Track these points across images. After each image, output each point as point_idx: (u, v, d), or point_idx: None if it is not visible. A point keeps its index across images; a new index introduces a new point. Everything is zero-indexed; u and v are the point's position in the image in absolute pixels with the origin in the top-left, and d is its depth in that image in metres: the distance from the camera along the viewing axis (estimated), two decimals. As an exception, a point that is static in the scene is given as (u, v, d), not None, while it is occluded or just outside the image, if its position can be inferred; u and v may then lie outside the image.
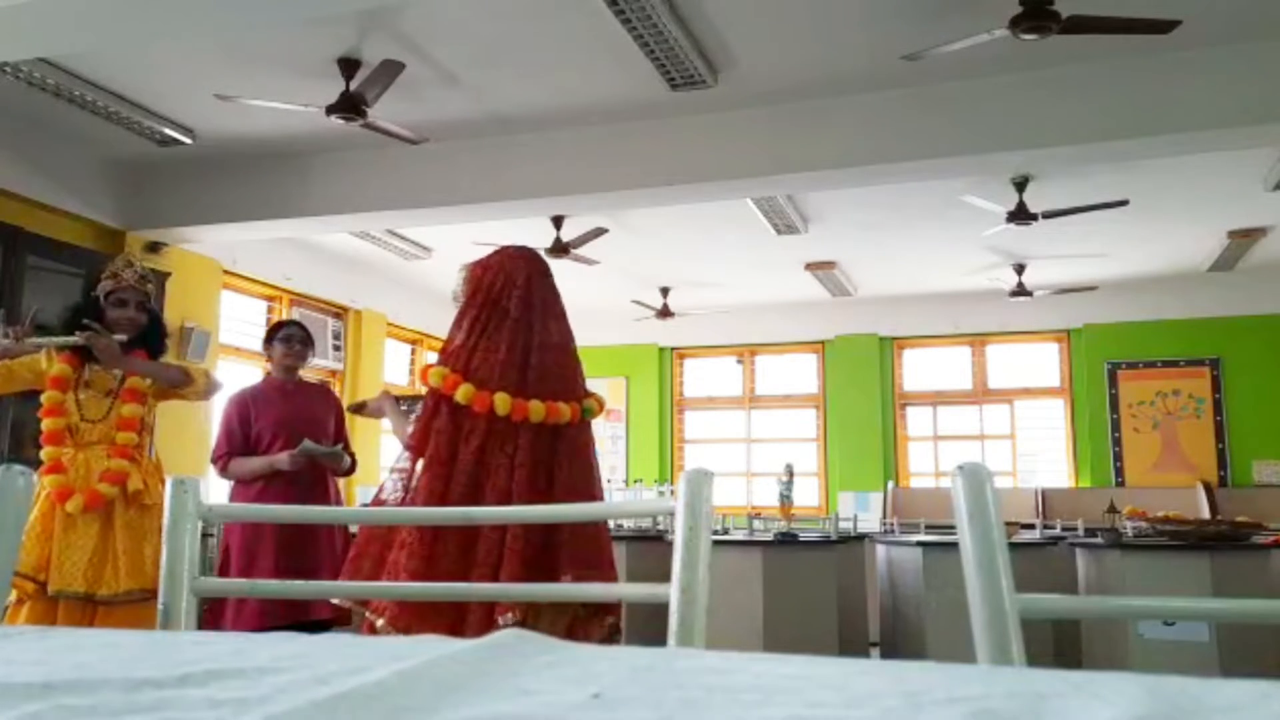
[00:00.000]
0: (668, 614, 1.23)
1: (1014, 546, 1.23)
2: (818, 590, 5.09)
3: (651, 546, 5.20)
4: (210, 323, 7.21)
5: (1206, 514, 8.14)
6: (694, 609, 1.21)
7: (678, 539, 1.25)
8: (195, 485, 1.41)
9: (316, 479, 3.74)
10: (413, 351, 10.39)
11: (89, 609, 3.11)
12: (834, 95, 5.42)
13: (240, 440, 3.74)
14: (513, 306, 2.42)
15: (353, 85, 4.96)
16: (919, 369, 10.60)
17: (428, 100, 5.44)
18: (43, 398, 3.29)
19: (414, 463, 2.35)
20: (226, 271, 7.53)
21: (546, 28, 4.68)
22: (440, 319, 9.89)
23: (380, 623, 2.19)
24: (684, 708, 0.56)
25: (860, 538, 6.29)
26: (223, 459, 3.73)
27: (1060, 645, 4.99)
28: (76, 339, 3.20)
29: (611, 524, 3.90)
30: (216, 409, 4.42)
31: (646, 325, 10.16)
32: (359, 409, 3.22)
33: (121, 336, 3.27)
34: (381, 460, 8.95)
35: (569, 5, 4.43)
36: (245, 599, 3.46)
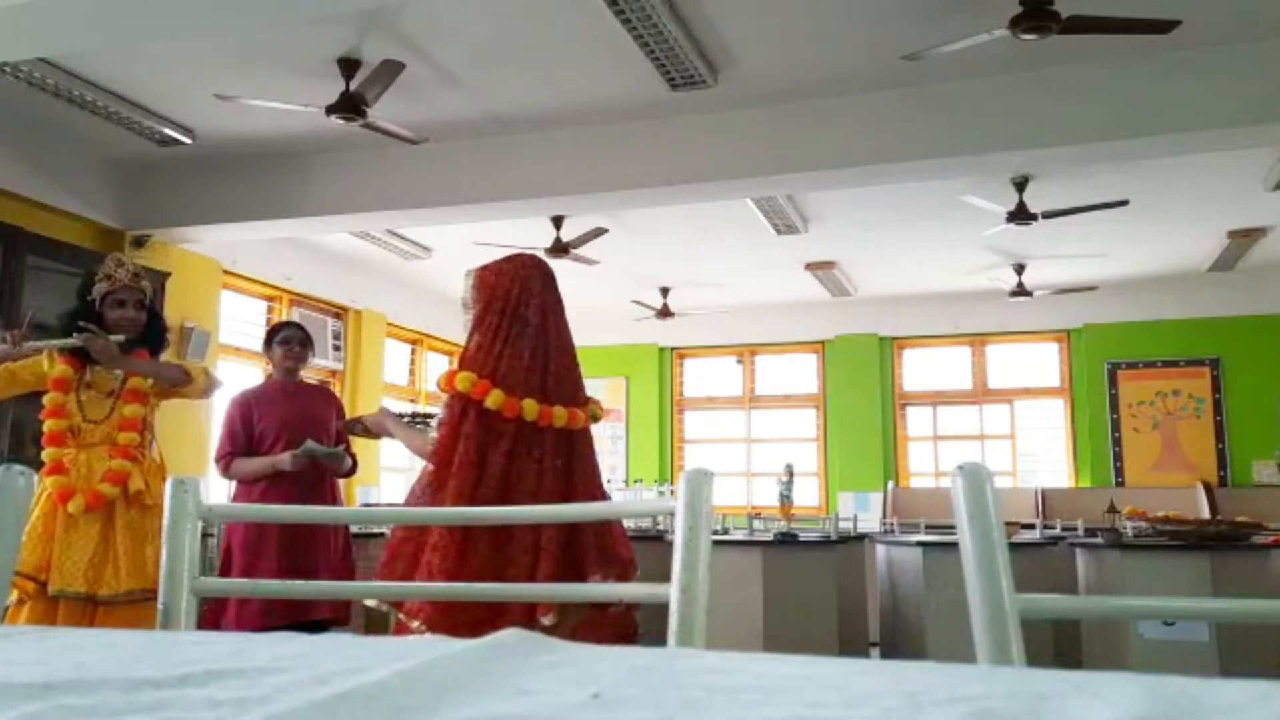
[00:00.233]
0: (668, 614, 1.23)
1: (1014, 546, 1.23)
2: (818, 590, 5.09)
3: (651, 546, 5.16)
4: (210, 323, 7.21)
5: (1206, 514, 8.13)
6: (694, 609, 1.21)
7: (678, 539, 1.25)
8: (195, 485, 1.42)
9: (318, 479, 3.75)
10: (413, 352, 10.37)
11: (89, 609, 3.11)
12: (834, 95, 5.42)
13: (243, 441, 3.75)
14: (532, 314, 2.50)
15: (353, 85, 4.96)
16: (919, 369, 10.60)
17: (427, 100, 5.44)
18: (45, 399, 3.30)
19: (440, 468, 2.37)
20: (226, 271, 7.53)
21: (546, 28, 4.68)
22: (440, 319, 10.05)
23: (416, 624, 2.21)
24: (684, 708, 0.57)
25: (860, 538, 6.29)
26: (226, 459, 3.75)
27: (1060, 645, 4.99)
28: (75, 340, 3.21)
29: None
30: (217, 409, 4.43)
31: (646, 325, 10.15)
32: (355, 427, 3.19)
33: (120, 337, 3.27)
34: (381, 462, 8.96)
35: (569, 5, 4.43)
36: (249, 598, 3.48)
